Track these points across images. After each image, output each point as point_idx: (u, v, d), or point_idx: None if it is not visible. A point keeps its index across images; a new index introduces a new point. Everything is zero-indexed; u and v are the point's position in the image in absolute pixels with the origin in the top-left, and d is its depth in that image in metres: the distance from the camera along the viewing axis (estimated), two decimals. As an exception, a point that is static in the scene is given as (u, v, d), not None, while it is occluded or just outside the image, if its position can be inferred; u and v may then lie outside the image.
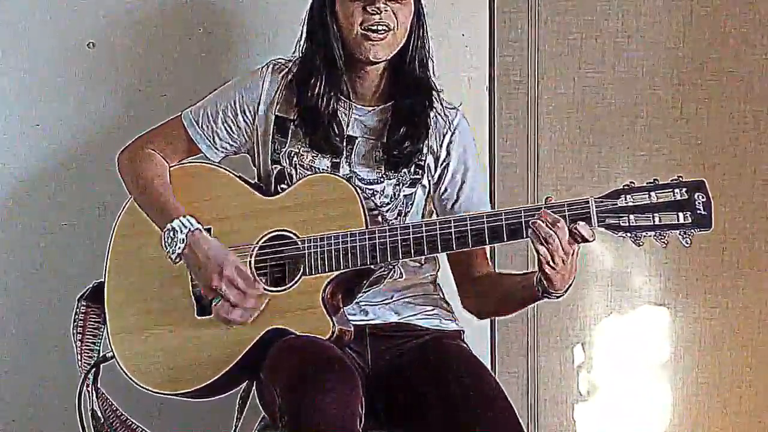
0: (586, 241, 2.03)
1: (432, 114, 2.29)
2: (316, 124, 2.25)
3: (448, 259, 2.36)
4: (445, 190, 2.33)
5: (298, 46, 2.31)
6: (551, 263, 2.03)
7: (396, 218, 2.30)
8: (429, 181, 2.32)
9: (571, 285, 2.11)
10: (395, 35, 2.20)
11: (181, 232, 2.19)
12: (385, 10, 2.17)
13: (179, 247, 2.19)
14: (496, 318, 2.87)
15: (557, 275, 2.06)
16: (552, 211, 2.04)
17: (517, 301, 2.27)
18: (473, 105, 2.38)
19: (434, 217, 2.35)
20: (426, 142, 2.28)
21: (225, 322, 2.19)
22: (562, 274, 2.06)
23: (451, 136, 2.32)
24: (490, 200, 2.84)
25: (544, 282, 2.08)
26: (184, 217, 2.21)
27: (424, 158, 2.30)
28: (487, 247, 2.26)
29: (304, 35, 2.28)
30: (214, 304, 2.19)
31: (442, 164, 2.32)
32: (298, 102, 2.26)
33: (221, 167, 2.33)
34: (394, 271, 2.32)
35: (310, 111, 2.24)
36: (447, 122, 2.31)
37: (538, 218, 2.03)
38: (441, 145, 2.31)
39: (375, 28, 2.17)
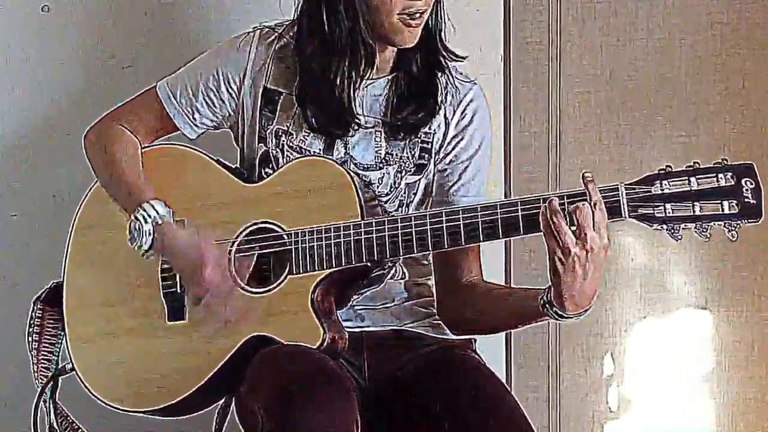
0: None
1: (442, 82, 2.29)
2: (327, 108, 2.25)
3: (433, 257, 2.33)
4: (447, 166, 2.32)
5: (300, 18, 2.28)
6: (560, 257, 1.99)
7: (397, 210, 2.30)
8: (433, 159, 2.32)
9: (587, 311, 2.07)
10: (426, 16, 2.23)
11: (146, 222, 2.18)
12: None
13: (146, 242, 2.18)
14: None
15: (568, 287, 2.01)
16: (576, 200, 2.01)
17: (509, 314, 2.23)
18: (485, 78, 2.39)
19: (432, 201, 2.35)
20: (433, 116, 2.29)
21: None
22: (572, 292, 2.01)
23: (463, 111, 2.32)
24: (505, 186, 2.84)
25: (552, 292, 2.04)
26: (149, 203, 2.19)
27: (430, 138, 2.30)
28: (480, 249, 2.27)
29: (317, 14, 2.25)
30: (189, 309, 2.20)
31: (449, 140, 2.32)
32: (307, 84, 2.25)
33: (197, 150, 2.32)
34: (395, 271, 2.32)
35: (323, 97, 2.24)
36: (459, 96, 2.32)
37: (547, 204, 2.00)
38: (451, 121, 2.31)
39: (414, 14, 2.18)
